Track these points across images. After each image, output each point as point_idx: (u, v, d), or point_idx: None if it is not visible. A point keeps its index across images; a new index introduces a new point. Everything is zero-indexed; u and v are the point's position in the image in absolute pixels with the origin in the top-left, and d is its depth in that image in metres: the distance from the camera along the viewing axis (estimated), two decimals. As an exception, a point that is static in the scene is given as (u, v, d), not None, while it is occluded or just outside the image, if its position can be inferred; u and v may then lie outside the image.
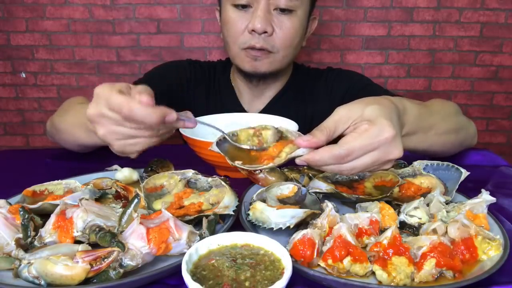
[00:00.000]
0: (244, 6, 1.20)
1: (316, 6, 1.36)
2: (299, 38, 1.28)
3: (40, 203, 0.73)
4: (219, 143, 0.76)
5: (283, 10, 1.20)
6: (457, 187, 0.82)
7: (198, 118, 0.74)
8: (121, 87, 0.71)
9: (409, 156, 1.03)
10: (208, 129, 1.13)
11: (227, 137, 0.77)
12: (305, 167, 0.93)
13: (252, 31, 1.19)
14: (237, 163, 0.72)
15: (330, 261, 0.61)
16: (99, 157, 1.18)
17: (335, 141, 0.70)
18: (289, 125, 1.04)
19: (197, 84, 1.44)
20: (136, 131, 0.72)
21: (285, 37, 1.23)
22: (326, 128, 0.69)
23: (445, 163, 0.88)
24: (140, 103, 0.67)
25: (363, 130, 0.67)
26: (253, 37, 1.20)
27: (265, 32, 1.19)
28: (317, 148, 0.69)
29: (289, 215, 0.69)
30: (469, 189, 0.84)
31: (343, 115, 0.70)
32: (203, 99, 1.43)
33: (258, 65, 1.25)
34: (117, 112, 0.69)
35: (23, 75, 2.43)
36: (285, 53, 1.27)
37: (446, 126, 0.98)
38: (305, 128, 0.89)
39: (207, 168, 1.02)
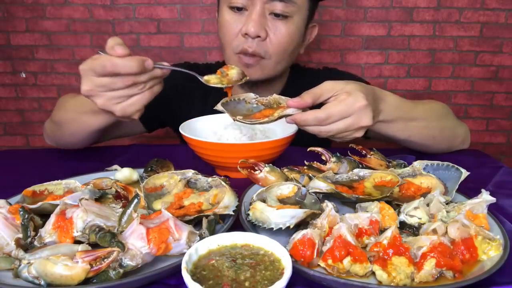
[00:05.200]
0: (239, 9, 1.18)
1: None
2: (294, 45, 1.25)
3: (40, 203, 0.73)
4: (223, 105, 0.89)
5: (278, 15, 1.17)
6: (457, 187, 0.82)
7: (165, 63, 0.87)
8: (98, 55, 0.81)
9: (408, 157, 1.03)
10: (208, 129, 1.14)
11: (200, 78, 0.92)
12: (305, 167, 0.93)
13: (245, 34, 1.17)
14: (238, 118, 0.85)
15: (330, 261, 0.61)
16: (99, 157, 1.18)
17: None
18: (288, 126, 1.03)
19: (194, 88, 1.43)
20: (128, 90, 0.81)
21: (279, 42, 1.20)
22: (313, 93, 0.84)
23: (445, 163, 0.87)
24: (118, 55, 0.78)
25: (342, 99, 0.83)
26: (246, 41, 1.18)
27: (258, 36, 1.17)
28: (304, 110, 0.85)
29: (289, 215, 0.69)
30: (469, 189, 0.84)
31: (329, 86, 0.85)
32: (200, 103, 1.41)
33: (250, 73, 1.22)
34: (104, 74, 0.78)
35: (23, 75, 2.43)
36: (278, 59, 1.24)
37: (430, 121, 1.07)
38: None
39: (207, 168, 1.03)
